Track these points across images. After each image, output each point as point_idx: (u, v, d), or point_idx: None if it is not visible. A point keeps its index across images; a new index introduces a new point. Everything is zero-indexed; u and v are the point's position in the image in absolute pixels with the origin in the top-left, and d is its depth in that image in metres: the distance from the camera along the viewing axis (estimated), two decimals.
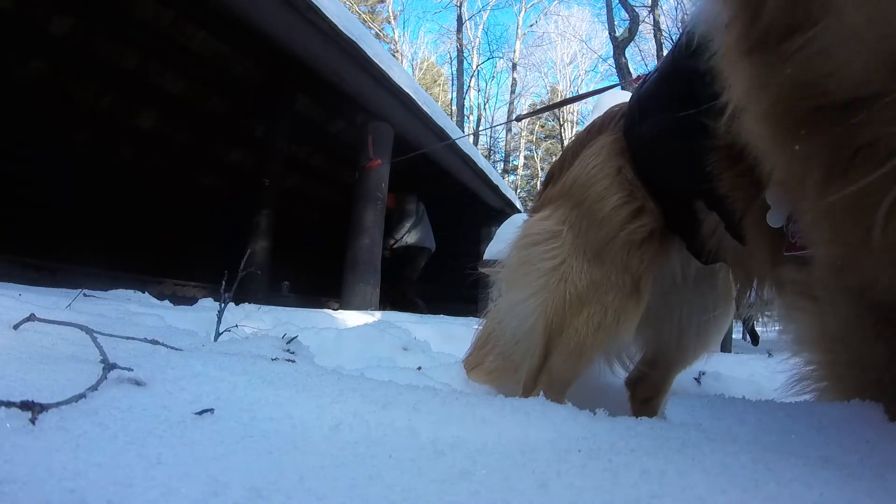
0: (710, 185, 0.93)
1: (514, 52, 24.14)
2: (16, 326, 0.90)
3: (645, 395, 1.38)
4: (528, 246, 1.19)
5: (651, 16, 13.74)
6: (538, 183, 23.55)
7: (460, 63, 23.06)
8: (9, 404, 0.55)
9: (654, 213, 1.09)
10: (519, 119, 5.33)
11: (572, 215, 1.15)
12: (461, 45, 23.03)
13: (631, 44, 13.20)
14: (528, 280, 1.15)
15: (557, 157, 1.39)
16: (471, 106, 25.63)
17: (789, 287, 0.82)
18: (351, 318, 2.97)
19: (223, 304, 1.69)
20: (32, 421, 0.55)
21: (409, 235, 6.63)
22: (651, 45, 15.93)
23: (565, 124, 24.00)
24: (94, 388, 0.66)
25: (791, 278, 0.81)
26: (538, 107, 26.73)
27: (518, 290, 1.18)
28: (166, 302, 3.09)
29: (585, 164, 1.17)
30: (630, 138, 1.13)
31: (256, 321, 2.44)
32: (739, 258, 1.05)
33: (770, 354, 2.15)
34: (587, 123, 1.36)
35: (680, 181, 1.05)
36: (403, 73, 5.69)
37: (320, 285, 7.56)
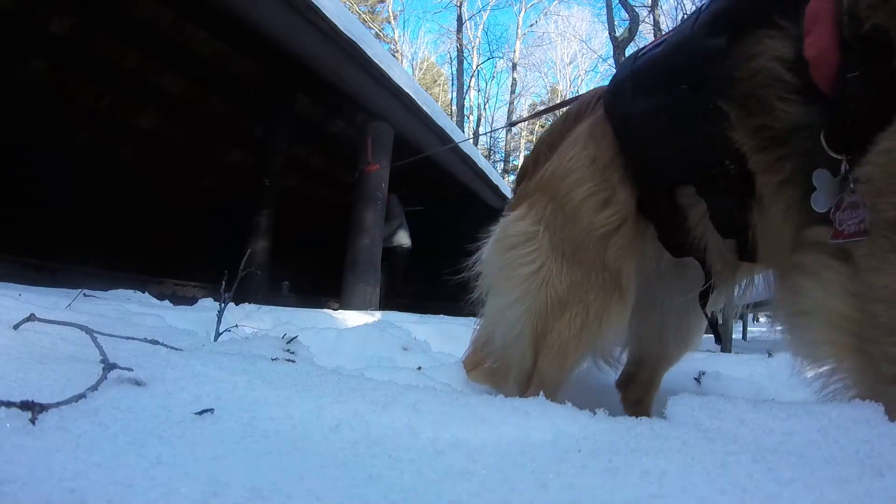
0: (716, 170, 0.91)
1: (514, 52, 24.17)
2: (16, 326, 0.90)
3: (635, 397, 1.37)
4: (507, 249, 1.17)
5: (651, 16, 13.75)
6: None
7: (460, 63, 23.07)
8: (9, 404, 0.55)
9: (625, 201, 1.05)
10: (512, 125, 5.34)
11: (547, 212, 1.12)
12: (461, 45, 23.04)
13: (631, 44, 13.20)
14: (511, 285, 1.14)
15: (531, 150, 1.35)
16: (471, 106, 25.63)
17: (816, 248, 0.80)
18: (351, 318, 2.97)
19: (223, 304, 1.69)
20: (32, 421, 0.55)
21: (398, 236, 6.63)
22: None
23: None
24: (94, 388, 0.66)
25: (819, 239, 0.79)
26: (538, 107, 26.74)
27: (502, 295, 1.16)
28: (166, 302, 3.09)
29: (562, 156, 1.14)
30: (616, 115, 1.08)
31: (256, 321, 2.44)
32: (721, 250, 1.04)
33: (770, 354, 2.15)
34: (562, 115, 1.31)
35: (670, 163, 1.02)
36: (403, 73, 5.69)
37: (320, 285, 7.56)
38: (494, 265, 1.20)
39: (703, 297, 1.15)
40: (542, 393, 0.94)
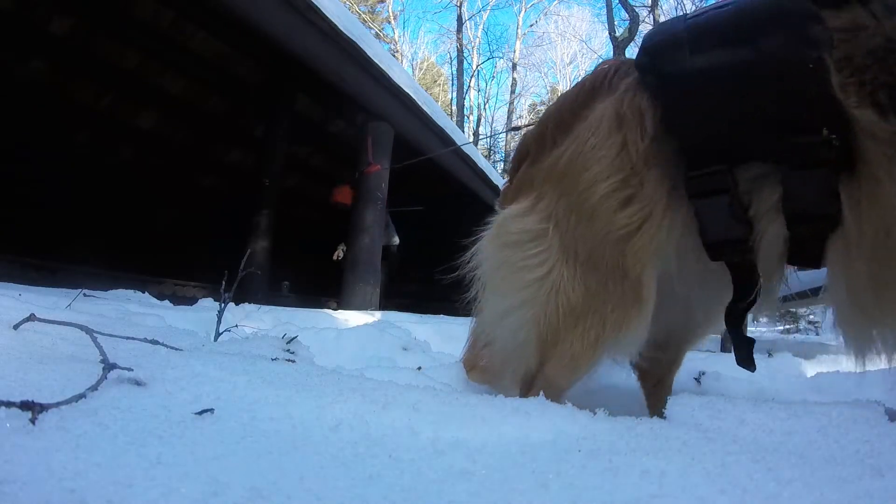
0: (810, 138, 0.80)
1: (514, 52, 24.16)
2: (16, 326, 0.90)
3: (657, 377, 1.27)
4: (508, 246, 1.05)
5: (651, 16, 13.76)
6: None
7: (460, 63, 23.06)
8: (9, 404, 0.55)
9: (651, 195, 0.93)
10: (514, 129, 5.33)
11: (559, 209, 0.99)
12: (461, 45, 23.03)
13: (631, 44, 13.21)
14: (513, 287, 1.03)
15: (534, 126, 1.17)
16: (471, 106, 25.63)
17: None
18: (351, 318, 2.97)
19: (223, 304, 1.69)
20: (32, 421, 0.55)
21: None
22: None
23: None
24: (94, 388, 0.66)
25: None
26: (538, 107, 26.74)
27: (503, 297, 1.05)
28: (166, 302, 3.09)
29: (580, 143, 0.99)
30: (661, 75, 0.93)
31: (256, 321, 2.44)
32: (777, 249, 0.91)
33: (770, 354, 2.15)
34: (571, 87, 1.15)
35: (743, 131, 0.87)
36: (403, 73, 5.69)
37: (320, 285, 7.56)
38: (493, 263, 1.09)
39: (737, 312, 1.00)
40: (541, 393, 0.94)
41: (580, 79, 1.16)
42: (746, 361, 1.04)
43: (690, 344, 1.26)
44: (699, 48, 0.90)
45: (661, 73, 0.93)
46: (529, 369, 1.05)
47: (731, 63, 0.86)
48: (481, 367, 1.31)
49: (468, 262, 1.18)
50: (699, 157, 0.90)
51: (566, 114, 1.06)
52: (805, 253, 0.89)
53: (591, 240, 0.96)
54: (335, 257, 6.05)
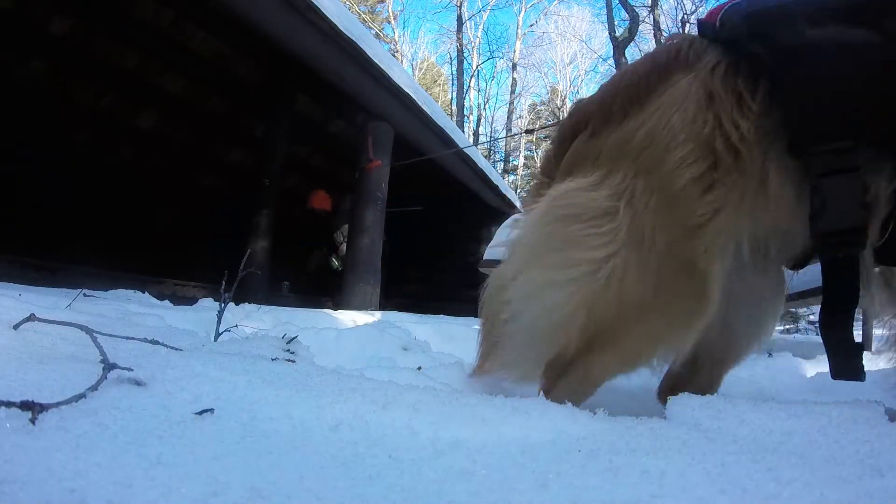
0: None
1: (514, 52, 24.16)
2: (16, 326, 0.90)
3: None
4: (564, 219, 0.93)
5: (651, 16, 13.77)
6: None
7: (460, 63, 23.07)
8: (9, 404, 0.55)
9: (734, 183, 0.85)
10: (529, 132, 5.34)
11: (635, 188, 0.89)
12: (461, 45, 23.03)
13: (631, 44, 13.22)
14: (562, 260, 0.91)
15: (591, 98, 1.08)
16: (471, 106, 25.62)
17: None
18: (351, 318, 2.97)
19: (223, 304, 1.69)
20: (32, 421, 0.55)
21: None
22: (651, 45, 15.93)
23: None
24: (94, 388, 0.66)
25: None
26: (538, 107, 26.77)
27: (547, 269, 0.93)
28: (166, 302, 3.09)
29: (664, 118, 0.90)
30: (769, 46, 0.87)
31: (256, 321, 2.44)
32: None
33: (770, 354, 2.15)
34: (639, 60, 1.08)
35: (865, 113, 0.83)
36: (403, 73, 5.70)
37: (320, 285, 7.56)
38: (539, 233, 0.97)
39: (838, 316, 0.90)
40: (541, 393, 0.94)
41: (648, 53, 1.09)
42: (852, 371, 0.90)
43: (728, 364, 1.14)
44: (816, 22, 0.86)
45: (772, 44, 0.88)
46: (563, 354, 0.94)
47: (857, 42, 0.82)
48: (496, 362, 1.18)
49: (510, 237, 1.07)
50: (823, 130, 0.84)
51: (639, 87, 0.97)
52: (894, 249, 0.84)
53: (671, 228, 0.86)
54: (333, 260, 6.02)
